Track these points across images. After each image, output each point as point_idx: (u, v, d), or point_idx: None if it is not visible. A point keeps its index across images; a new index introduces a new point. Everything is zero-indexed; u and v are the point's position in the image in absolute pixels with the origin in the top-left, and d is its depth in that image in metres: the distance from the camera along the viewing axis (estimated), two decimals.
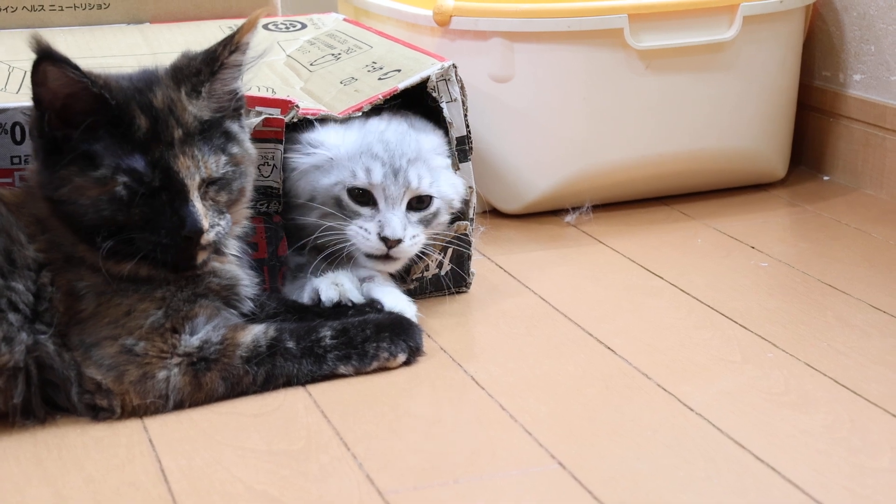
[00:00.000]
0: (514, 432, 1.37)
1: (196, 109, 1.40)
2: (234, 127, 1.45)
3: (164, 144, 1.37)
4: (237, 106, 1.46)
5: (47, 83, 1.35)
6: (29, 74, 1.36)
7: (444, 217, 1.68)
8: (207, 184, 1.40)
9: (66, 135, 1.37)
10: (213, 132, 1.41)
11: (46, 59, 1.33)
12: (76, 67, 1.34)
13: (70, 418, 1.40)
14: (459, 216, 1.70)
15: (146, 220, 1.38)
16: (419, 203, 1.64)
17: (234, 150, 1.43)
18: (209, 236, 1.40)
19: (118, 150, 1.36)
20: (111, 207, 1.37)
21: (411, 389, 1.46)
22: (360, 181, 1.61)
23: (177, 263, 1.41)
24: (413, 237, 1.62)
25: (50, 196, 1.39)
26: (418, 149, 1.64)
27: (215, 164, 1.40)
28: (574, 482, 1.26)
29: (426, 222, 1.65)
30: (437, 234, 1.68)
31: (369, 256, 1.62)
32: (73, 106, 1.36)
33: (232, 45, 1.41)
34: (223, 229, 1.42)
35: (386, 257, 1.61)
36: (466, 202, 1.71)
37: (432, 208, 1.65)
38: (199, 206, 1.38)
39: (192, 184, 1.38)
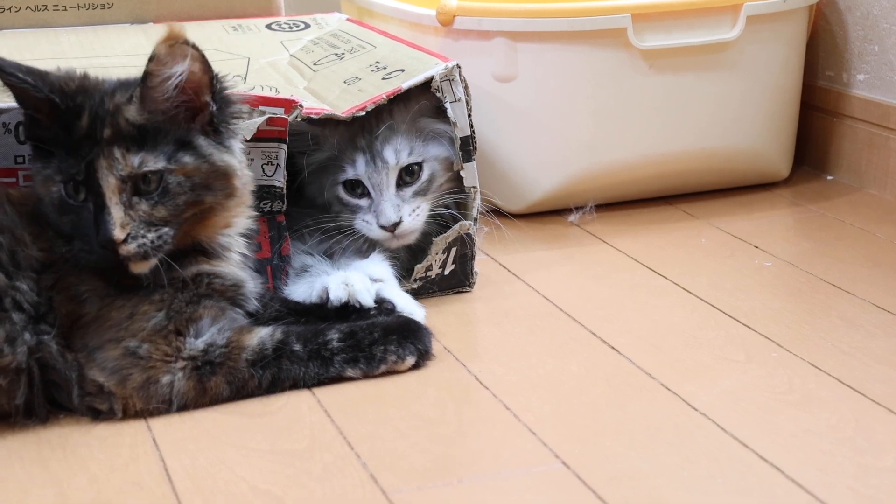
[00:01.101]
0: (518, 432, 1.36)
1: (130, 113, 1.38)
2: (198, 140, 1.42)
3: (93, 143, 1.37)
4: (210, 120, 1.43)
5: (10, 86, 1.39)
6: None
7: (444, 176, 1.70)
8: (140, 194, 1.37)
9: (37, 133, 1.40)
10: (158, 139, 1.39)
11: None
12: (14, 74, 1.37)
13: (73, 418, 1.40)
14: (459, 177, 1.71)
15: (75, 226, 1.38)
16: (409, 176, 1.68)
17: (186, 160, 1.39)
18: (130, 247, 1.36)
19: (62, 150, 1.38)
20: (52, 209, 1.39)
21: (414, 389, 1.46)
22: (349, 175, 1.66)
23: (115, 272, 1.39)
24: (413, 211, 1.67)
25: (35, 193, 1.41)
26: (391, 122, 1.66)
27: (139, 163, 1.37)
28: (578, 481, 1.26)
29: (423, 192, 1.68)
30: (446, 194, 1.71)
31: (381, 240, 1.67)
32: (36, 108, 1.39)
33: (150, 55, 1.38)
34: (151, 243, 1.37)
35: (395, 238, 1.67)
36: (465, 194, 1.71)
37: (424, 176, 1.68)
38: (115, 214, 1.35)
39: (108, 185, 1.36)
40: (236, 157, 1.45)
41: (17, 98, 1.41)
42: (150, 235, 1.37)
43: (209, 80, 1.42)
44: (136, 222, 1.37)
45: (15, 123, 1.52)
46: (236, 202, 1.46)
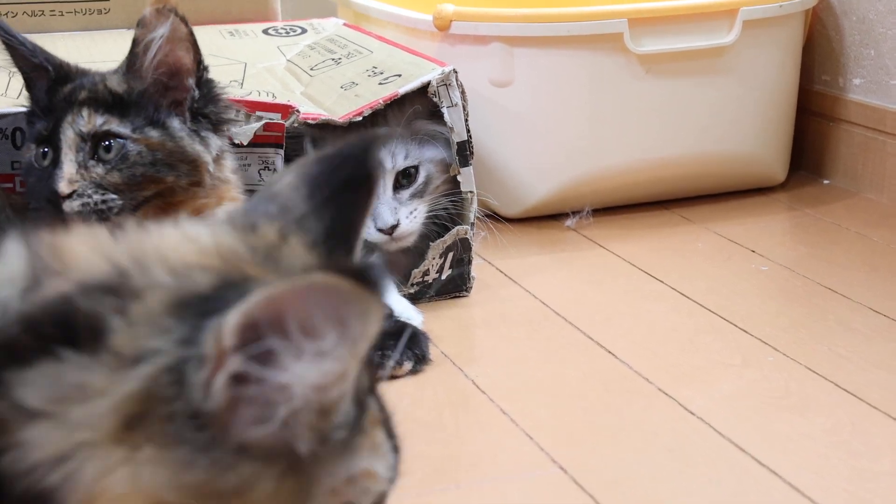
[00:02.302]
0: (516, 436, 1.37)
1: (111, 82, 1.40)
2: (172, 121, 1.41)
3: (68, 104, 1.38)
4: (191, 105, 1.42)
5: (8, 47, 1.42)
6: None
7: (440, 178, 1.71)
8: (99, 160, 1.37)
9: (33, 112, 1.42)
10: (131, 110, 1.39)
11: None
12: (14, 36, 1.40)
13: None
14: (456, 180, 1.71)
15: (32, 187, 1.38)
16: (406, 179, 1.68)
17: (152, 133, 1.39)
18: (73, 204, 1.34)
19: (42, 118, 1.39)
20: (25, 176, 1.40)
21: (412, 394, 1.46)
22: None
23: None
24: (410, 213, 1.68)
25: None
26: (386, 126, 1.67)
27: (102, 123, 1.37)
28: (575, 486, 1.26)
29: (419, 194, 1.69)
30: (443, 195, 1.71)
31: (379, 243, 1.68)
32: (33, 74, 1.41)
33: (138, 21, 1.39)
34: (94, 204, 1.35)
35: (393, 240, 1.67)
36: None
37: (420, 178, 1.69)
38: (66, 168, 1.35)
39: (66, 139, 1.36)
40: (209, 151, 1.43)
41: (16, 62, 1.42)
42: (96, 197, 1.35)
43: (194, 64, 1.42)
44: (85, 182, 1.36)
45: (12, 129, 1.52)
46: (205, 193, 1.44)
